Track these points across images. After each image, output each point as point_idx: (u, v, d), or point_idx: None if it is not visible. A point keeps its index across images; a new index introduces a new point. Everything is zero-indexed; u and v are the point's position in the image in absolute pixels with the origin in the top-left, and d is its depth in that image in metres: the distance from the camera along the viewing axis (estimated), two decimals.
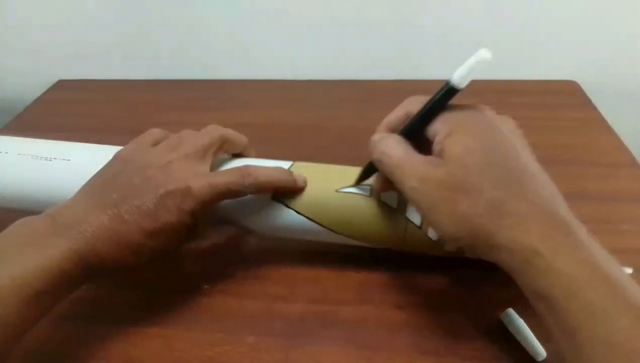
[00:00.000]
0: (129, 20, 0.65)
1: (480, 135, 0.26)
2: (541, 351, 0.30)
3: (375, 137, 0.30)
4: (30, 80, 0.71)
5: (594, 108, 0.56)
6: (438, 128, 0.27)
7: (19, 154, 0.37)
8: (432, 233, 0.33)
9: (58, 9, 0.66)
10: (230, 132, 0.36)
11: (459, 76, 0.25)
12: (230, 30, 0.65)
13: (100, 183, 0.32)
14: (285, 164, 0.36)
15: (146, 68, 0.69)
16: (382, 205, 0.34)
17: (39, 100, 0.66)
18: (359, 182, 0.34)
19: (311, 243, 0.37)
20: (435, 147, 0.27)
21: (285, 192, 0.34)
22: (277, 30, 0.64)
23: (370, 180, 0.33)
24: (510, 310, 0.32)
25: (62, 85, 0.70)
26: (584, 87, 0.60)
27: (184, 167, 0.32)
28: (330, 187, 0.34)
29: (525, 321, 0.31)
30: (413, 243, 0.34)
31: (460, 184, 0.25)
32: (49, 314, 0.27)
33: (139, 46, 0.67)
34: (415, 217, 0.33)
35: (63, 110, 0.64)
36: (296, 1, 0.61)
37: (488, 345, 0.31)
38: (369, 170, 0.33)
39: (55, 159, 0.37)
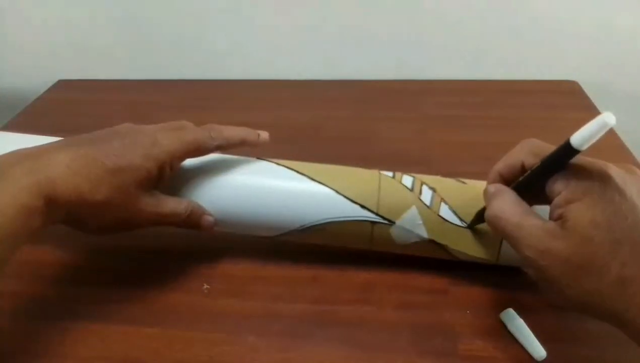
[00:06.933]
0: (129, 20, 0.65)
1: (607, 207, 0.24)
2: (541, 351, 0.30)
3: (491, 188, 0.29)
4: (30, 80, 0.71)
5: (594, 108, 0.56)
6: (559, 189, 0.26)
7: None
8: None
9: (58, 9, 0.66)
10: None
11: (580, 138, 0.24)
12: (230, 30, 0.65)
13: (69, 137, 0.33)
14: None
15: (146, 68, 0.69)
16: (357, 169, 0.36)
17: (39, 100, 0.66)
18: (472, 225, 0.33)
19: (311, 243, 0.37)
20: (555, 210, 0.26)
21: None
22: (277, 30, 0.64)
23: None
24: (510, 310, 0.32)
25: (62, 85, 0.70)
26: (584, 87, 0.60)
27: (154, 129, 0.34)
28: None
29: (525, 321, 0.31)
30: (388, 192, 0.34)
31: (585, 261, 0.24)
32: (48, 315, 0.27)
33: (139, 46, 0.67)
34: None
35: (63, 110, 0.64)
36: (296, 1, 0.61)
37: (488, 345, 0.31)
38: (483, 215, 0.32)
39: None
